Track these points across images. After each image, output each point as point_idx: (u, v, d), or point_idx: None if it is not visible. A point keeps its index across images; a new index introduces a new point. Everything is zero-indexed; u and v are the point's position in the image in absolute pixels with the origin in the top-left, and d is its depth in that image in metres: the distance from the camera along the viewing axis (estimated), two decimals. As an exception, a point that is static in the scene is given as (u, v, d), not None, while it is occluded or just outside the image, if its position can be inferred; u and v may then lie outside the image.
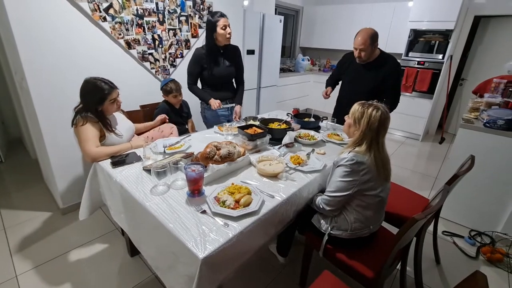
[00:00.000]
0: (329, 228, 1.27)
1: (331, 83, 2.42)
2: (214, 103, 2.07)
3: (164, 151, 1.58)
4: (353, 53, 2.05)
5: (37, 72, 1.76)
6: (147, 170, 1.36)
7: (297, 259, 1.73)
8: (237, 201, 1.12)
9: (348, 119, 1.29)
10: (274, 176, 1.38)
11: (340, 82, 2.37)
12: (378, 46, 2.00)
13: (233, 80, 2.29)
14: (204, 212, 1.08)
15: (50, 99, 1.86)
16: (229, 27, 1.97)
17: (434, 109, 4.29)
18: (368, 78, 2.07)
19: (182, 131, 2.26)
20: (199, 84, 2.19)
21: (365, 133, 1.15)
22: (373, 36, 1.90)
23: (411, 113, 4.17)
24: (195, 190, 1.19)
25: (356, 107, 1.23)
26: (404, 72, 4.06)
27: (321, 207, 1.25)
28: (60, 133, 1.95)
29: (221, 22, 1.93)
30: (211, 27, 1.95)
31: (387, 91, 2.04)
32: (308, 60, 5.21)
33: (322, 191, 1.48)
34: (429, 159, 3.60)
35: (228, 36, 1.98)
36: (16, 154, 3.13)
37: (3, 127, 3.50)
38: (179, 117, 2.23)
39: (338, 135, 1.99)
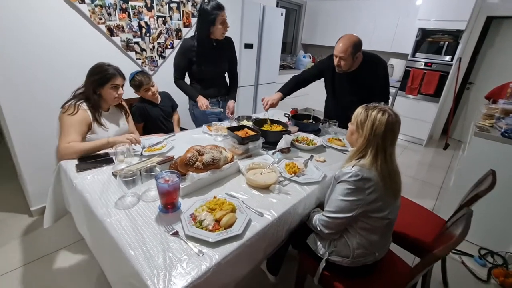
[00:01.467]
0: (327, 253, 1.08)
1: (289, 88, 1.98)
2: (202, 103, 1.86)
3: (141, 153, 1.39)
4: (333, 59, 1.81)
5: (1, 59, 1.55)
6: (117, 176, 1.16)
7: (289, 277, 1.55)
8: (217, 221, 0.92)
9: (350, 125, 1.10)
10: (266, 188, 1.18)
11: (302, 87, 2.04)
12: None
13: (225, 74, 2.07)
14: (176, 234, 0.88)
15: (17, 90, 1.65)
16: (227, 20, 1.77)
17: (439, 113, 4.10)
18: (353, 90, 1.84)
19: (170, 128, 2.06)
20: (187, 79, 1.98)
21: (369, 139, 0.96)
22: (356, 45, 1.64)
23: (415, 117, 3.98)
24: (168, 204, 0.99)
25: (358, 110, 1.04)
26: (409, 74, 3.87)
27: (319, 229, 1.06)
28: (30, 128, 1.74)
29: (221, 16, 1.71)
30: (207, 20, 1.72)
31: (376, 95, 1.80)
32: (310, 58, 4.99)
33: (320, 205, 1.29)
34: (432, 166, 3.41)
35: (225, 31, 1.79)
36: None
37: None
38: (162, 114, 1.98)
39: (339, 140, 1.79)
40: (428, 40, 3.79)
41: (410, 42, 3.88)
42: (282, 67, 4.58)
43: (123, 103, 1.66)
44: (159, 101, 1.96)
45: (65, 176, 1.24)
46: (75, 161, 1.28)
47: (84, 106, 1.39)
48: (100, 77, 1.41)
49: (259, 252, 1.00)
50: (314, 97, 5.00)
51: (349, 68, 1.74)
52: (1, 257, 1.60)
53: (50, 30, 1.68)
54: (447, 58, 3.65)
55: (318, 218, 1.07)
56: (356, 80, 1.80)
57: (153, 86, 1.85)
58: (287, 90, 1.98)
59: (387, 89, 1.82)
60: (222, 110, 2.01)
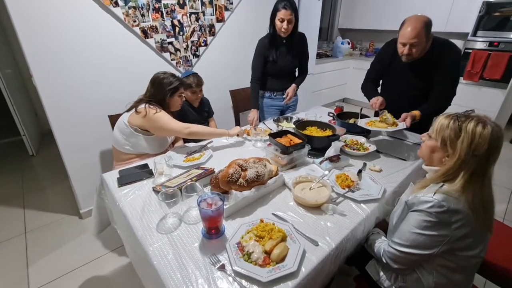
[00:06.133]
0: (393, 287, 0.92)
1: (373, 88, 1.79)
2: (251, 119, 1.86)
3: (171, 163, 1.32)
4: (392, 44, 1.54)
5: (43, 69, 1.57)
6: (157, 192, 1.11)
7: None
8: (267, 252, 0.81)
9: (427, 139, 0.90)
10: (316, 207, 1.04)
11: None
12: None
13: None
14: (222, 267, 0.79)
15: (59, 97, 1.68)
16: (289, 22, 1.72)
17: (506, 100, 3.53)
18: (415, 82, 1.59)
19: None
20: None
21: (464, 161, 0.76)
22: (428, 25, 1.38)
23: (475, 106, 3.42)
24: (212, 228, 0.90)
25: (444, 121, 0.83)
26: (469, 56, 3.35)
27: (384, 261, 0.90)
28: (73, 133, 1.78)
29: (280, 14, 1.70)
30: (272, 13, 1.77)
31: (441, 88, 1.52)
32: (348, 44, 4.59)
33: (379, 224, 1.12)
34: (498, 163, 2.95)
35: (283, 30, 1.75)
36: (49, 148, 3.12)
37: (37, 119, 3.54)
38: (199, 117, 1.94)
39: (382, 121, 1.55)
40: (494, 15, 3.22)
41: (471, 18, 3.34)
42: (318, 55, 4.29)
43: None
44: (197, 105, 1.91)
45: (107, 190, 1.22)
46: (116, 174, 1.25)
47: (158, 107, 1.47)
48: (172, 87, 1.50)
49: (315, 286, 0.87)
50: (351, 87, 4.66)
51: (420, 54, 1.48)
52: (57, 260, 1.68)
53: (85, 35, 1.66)
54: (520, 35, 3.07)
55: (383, 249, 0.91)
56: (422, 69, 1.55)
57: (201, 91, 1.87)
58: (374, 88, 1.80)
59: (456, 82, 1.53)
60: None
